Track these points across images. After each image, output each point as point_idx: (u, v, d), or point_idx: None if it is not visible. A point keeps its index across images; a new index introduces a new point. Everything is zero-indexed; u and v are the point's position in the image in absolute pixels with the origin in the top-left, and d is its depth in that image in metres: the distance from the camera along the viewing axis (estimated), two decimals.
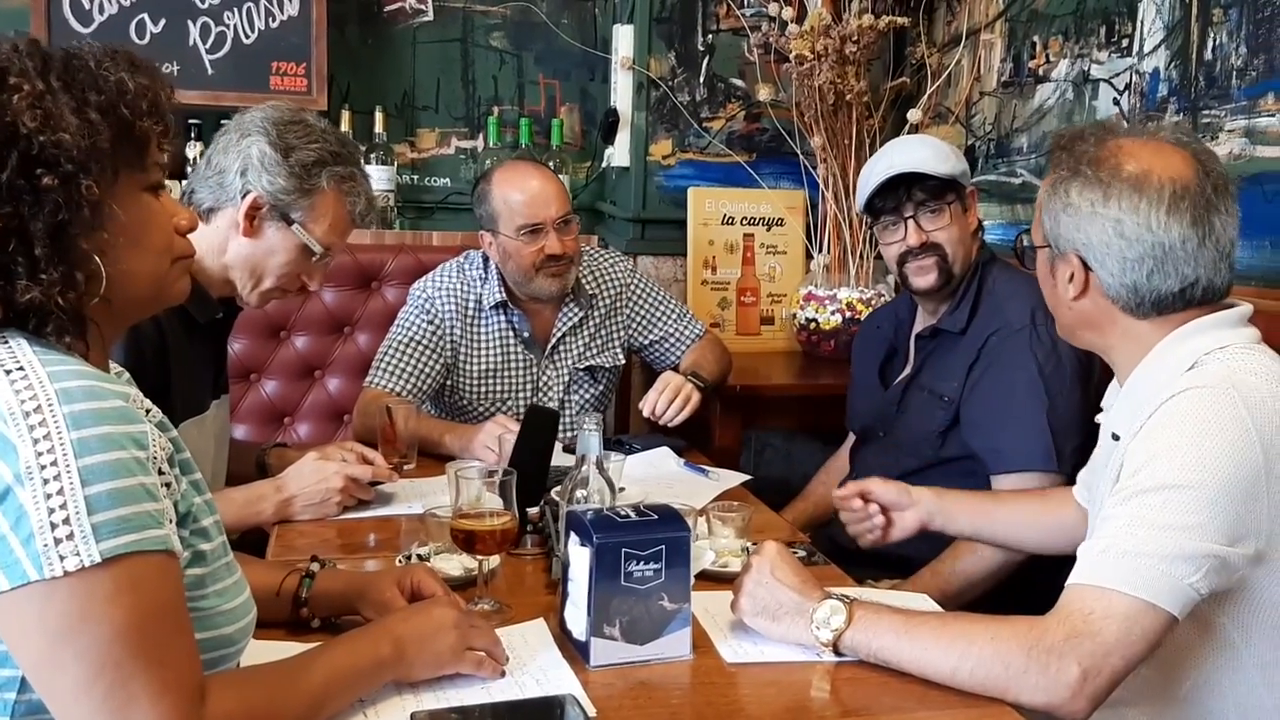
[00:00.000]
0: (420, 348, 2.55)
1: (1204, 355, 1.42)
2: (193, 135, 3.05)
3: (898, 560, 2.18)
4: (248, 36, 3.10)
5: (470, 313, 2.58)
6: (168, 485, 1.08)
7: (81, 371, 1.04)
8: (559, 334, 2.62)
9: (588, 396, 2.68)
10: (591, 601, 1.35)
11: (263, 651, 1.31)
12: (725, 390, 2.84)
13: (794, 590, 1.43)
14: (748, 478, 2.26)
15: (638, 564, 1.36)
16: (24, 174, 1.03)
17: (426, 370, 2.55)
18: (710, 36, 3.33)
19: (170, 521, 1.06)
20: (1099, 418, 1.67)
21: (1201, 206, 1.42)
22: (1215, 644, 1.40)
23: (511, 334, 2.59)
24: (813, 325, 3.17)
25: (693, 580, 1.52)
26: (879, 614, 1.40)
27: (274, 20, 3.11)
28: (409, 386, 2.53)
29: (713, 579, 1.64)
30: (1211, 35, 2.22)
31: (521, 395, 2.63)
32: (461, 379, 2.59)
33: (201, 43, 3.07)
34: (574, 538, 1.40)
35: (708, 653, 1.42)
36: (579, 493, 1.53)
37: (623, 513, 1.41)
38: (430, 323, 2.56)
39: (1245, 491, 1.32)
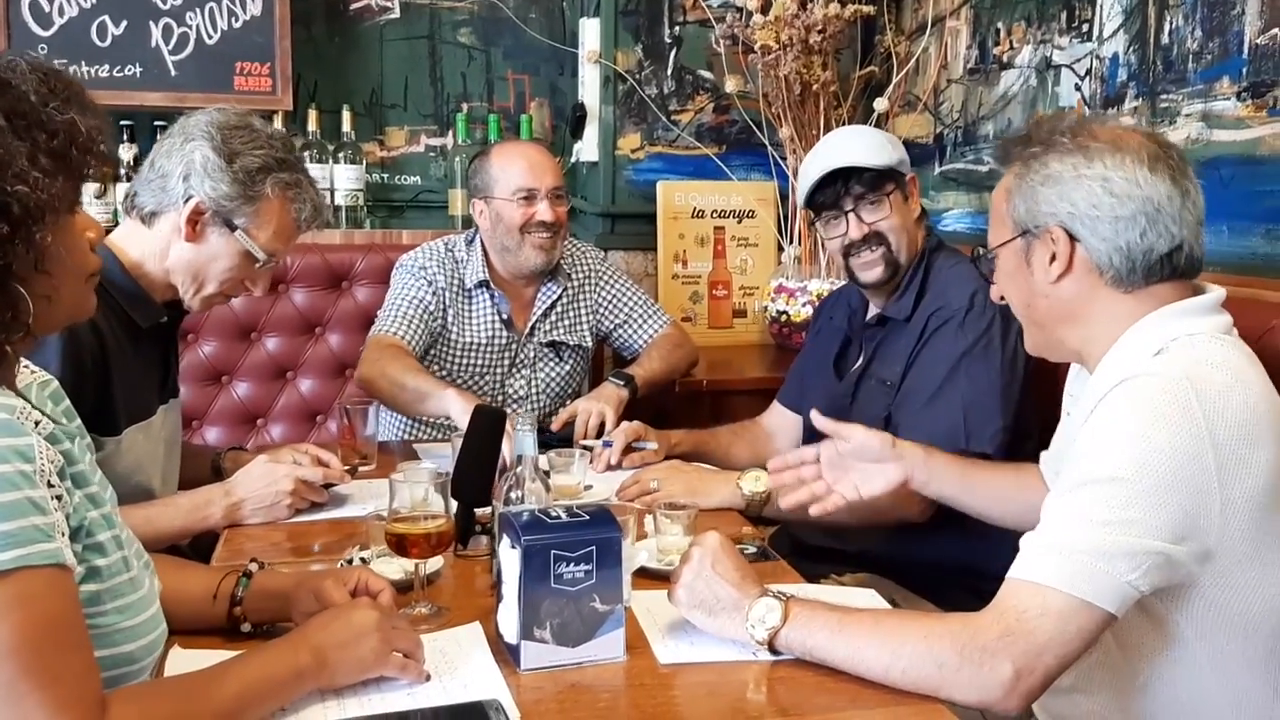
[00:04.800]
0: (422, 307, 2.61)
1: (1171, 341, 1.38)
2: (157, 137, 3.03)
3: (859, 556, 2.17)
4: (210, 37, 3.08)
5: (456, 287, 2.64)
6: (59, 498, 1.06)
7: None
8: (540, 311, 2.67)
9: (554, 375, 2.71)
10: (521, 604, 1.34)
11: (194, 660, 1.30)
12: (691, 385, 2.83)
13: (732, 586, 1.42)
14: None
15: (568, 565, 1.34)
16: None
17: (428, 325, 2.61)
18: (677, 28, 3.31)
19: (62, 535, 1.04)
20: (1066, 402, 1.65)
21: (1178, 170, 1.41)
22: (1168, 639, 1.38)
23: (494, 312, 2.65)
24: (784, 317, 3.15)
25: (629, 579, 1.52)
26: (814, 611, 1.38)
27: (237, 20, 3.09)
28: (415, 335, 2.58)
29: (657, 577, 1.63)
30: (1168, 18, 2.20)
31: (499, 371, 2.69)
32: (445, 349, 2.65)
33: (164, 44, 3.05)
34: (505, 539, 1.38)
35: (643, 653, 1.40)
36: (514, 493, 1.52)
37: (554, 514, 1.39)
38: (429, 284, 2.62)
39: (1193, 489, 1.28)
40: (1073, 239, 1.43)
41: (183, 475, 2.11)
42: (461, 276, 2.65)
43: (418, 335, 2.58)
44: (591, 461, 2.22)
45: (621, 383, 2.54)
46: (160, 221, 1.87)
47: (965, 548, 2.04)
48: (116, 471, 1.85)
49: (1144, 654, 1.40)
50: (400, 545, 1.49)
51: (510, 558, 1.36)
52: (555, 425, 2.41)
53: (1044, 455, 1.78)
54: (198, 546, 1.94)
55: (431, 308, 2.61)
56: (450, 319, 2.64)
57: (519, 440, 1.53)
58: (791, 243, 3.26)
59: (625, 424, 2.31)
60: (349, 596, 1.38)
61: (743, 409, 2.61)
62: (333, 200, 3.21)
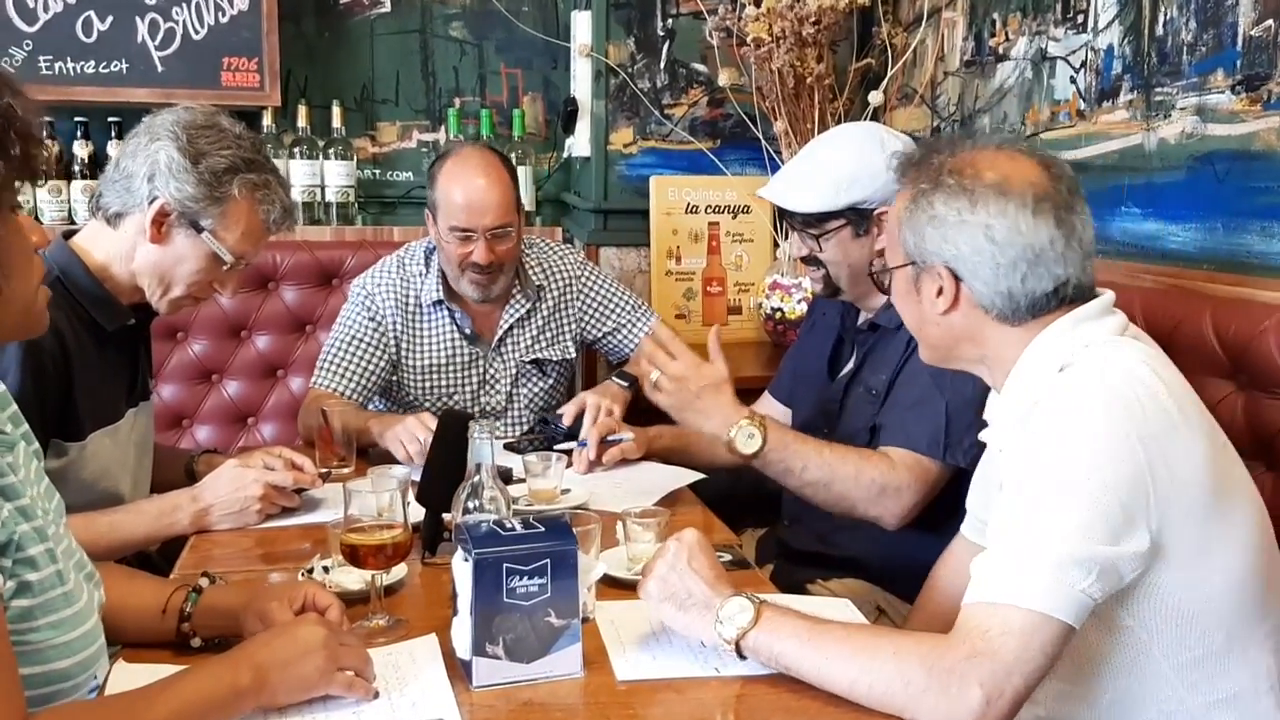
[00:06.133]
0: (363, 345, 2.51)
1: (1070, 355, 1.40)
2: None
3: (847, 561, 2.13)
4: (197, 32, 3.04)
5: (411, 308, 2.54)
6: None
7: None
8: (506, 326, 2.58)
9: (536, 390, 2.63)
10: (473, 619, 1.30)
11: (138, 675, 1.27)
12: None
13: (705, 583, 1.39)
14: (702, 476, 2.20)
15: (521, 579, 1.31)
16: None
17: (370, 368, 2.52)
18: (670, 21, 3.25)
19: None
20: (983, 434, 1.62)
21: (1062, 208, 1.42)
22: (1126, 648, 1.37)
23: (454, 330, 2.55)
24: (778, 315, 3.10)
25: (590, 592, 1.48)
26: (785, 617, 1.34)
27: (224, 15, 3.05)
28: (353, 385, 2.50)
29: (626, 586, 1.59)
30: (1162, 9, 2.14)
31: (468, 389, 2.59)
32: (406, 374, 2.56)
33: (150, 40, 3.01)
34: (459, 551, 1.35)
35: (601, 669, 1.37)
36: (471, 503, 1.48)
37: (508, 525, 1.35)
38: (371, 319, 2.52)
39: (1130, 487, 1.29)
40: (957, 278, 1.45)
41: (157, 478, 2.08)
42: (418, 294, 2.54)
43: (356, 383, 2.49)
44: (571, 464, 2.19)
45: (625, 384, 2.47)
46: (125, 223, 1.84)
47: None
48: (82, 477, 1.83)
49: (1105, 670, 1.38)
50: (354, 556, 1.45)
51: (463, 570, 1.32)
52: (567, 420, 2.33)
53: (970, 503, 1.75)
54: (166, 553, 1.91)
55: (374, 343, 2.52)
56: (404, 342, 2.54)
57: (476, 448, 1.49)
58: (787, 238, 3.20)
59: (603, 419, 2.25)
60: (293, 617, 1.34)
61: None
62: (323, 197, 3.18)
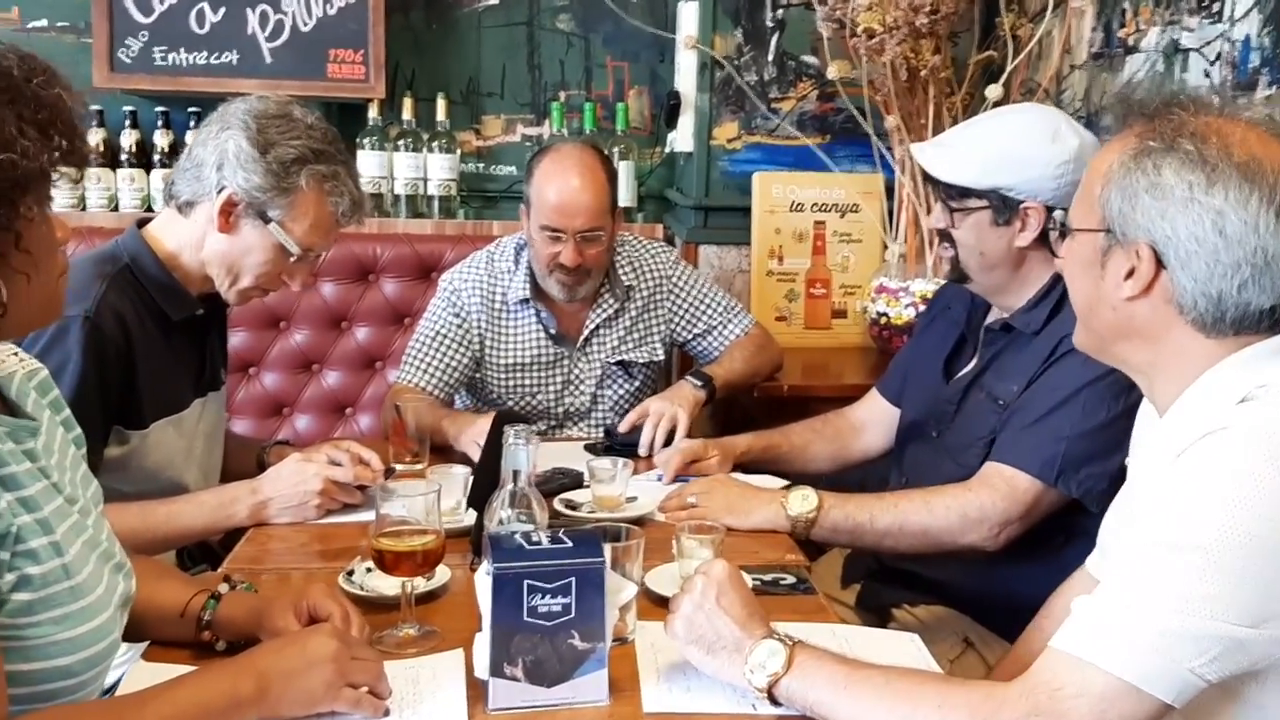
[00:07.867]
0: (446, 342, 2.48)
1: (1258, 388, 1.17)
2: None
3: (939, 586, 1.99)
4: (305, 24, 3.07)
5: (497, 306, 2.50)
6: None
7: None
8: (593, 326, 2.51)
9: (622, 393, 2.56)
10: (491, 637, 1.23)
11: (155, 675, 1.24)
12: (770, 390, 2.67)
13: (736, 623, 1.28)
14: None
15: (543, 597, 1.23)
16: None
17: (454, 364, 2.48)
18: (780, 12, 3.13)
19: None
20: (1128, 460, 1.45)
21: None
22: (1243, 713, 1.18)
23: (539, 329, 2.49)
24: (884, 319, 2.96)
25: (620, 613, 1.39)
26: (820, 662, 1.23)
27: (332, 7, 3.06)
28: (436, 381, 2.47)
29: None
30: None
31: (551, 389, 2.53)
32: (489, 372, 2.52)
33: (260, 31, 3.05)
34: (484, 563, 1.28)
35: (630, 697, 1.28)
36: (504, 512, 1.40)
37: (534, 538, 1.28)
38: (456, 315, 2.49)
39: None
40: (1160, 264, 1.22)
41: (230, 468, 2.08)
42: (504, 291, 2.49)
43: (439, 379, 2.46)
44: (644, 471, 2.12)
45: (700, 384, 2.39)
46: (196, 211, 1.84)
47: (1055, 584, 1.85)
48: (145, 466, 1.83)
49: None
50: (382, 562, 1.40)
51: (484, 585, 1.25)
52: (623, 427, 2.29)
53: (1100, 537, 1.54)
54: (229, 544, 1.90)
55: (458, 340, 2.48)
56: (488, 340, 2.49)
57: (511, 454, 1.42)
58: (896, 239, 3.06)
59: (684, 443, 2.16)
60: (298, 627, 1.30)
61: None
62: (426, 190, 3.17)
